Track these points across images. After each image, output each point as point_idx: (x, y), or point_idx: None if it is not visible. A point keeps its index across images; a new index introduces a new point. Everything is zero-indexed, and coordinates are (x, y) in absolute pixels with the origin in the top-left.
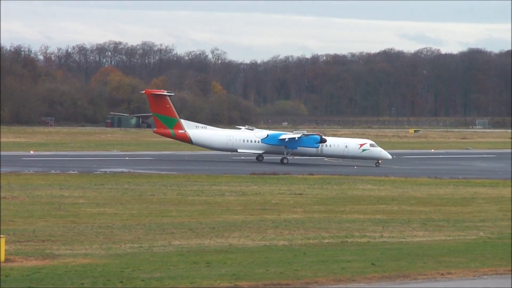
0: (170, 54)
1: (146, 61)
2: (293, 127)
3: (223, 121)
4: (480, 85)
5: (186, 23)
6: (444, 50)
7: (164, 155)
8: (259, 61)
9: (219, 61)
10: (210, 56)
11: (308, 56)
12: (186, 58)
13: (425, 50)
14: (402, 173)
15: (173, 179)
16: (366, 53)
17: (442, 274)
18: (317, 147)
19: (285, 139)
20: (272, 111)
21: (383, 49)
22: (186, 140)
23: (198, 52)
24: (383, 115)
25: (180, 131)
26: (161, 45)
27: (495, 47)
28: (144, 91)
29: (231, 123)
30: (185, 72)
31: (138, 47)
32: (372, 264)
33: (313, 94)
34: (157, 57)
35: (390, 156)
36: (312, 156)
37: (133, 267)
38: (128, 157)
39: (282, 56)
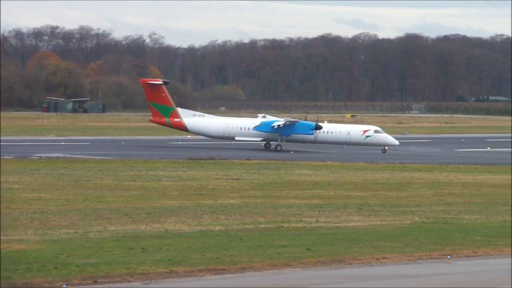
0: (107, 39)
1: (83, 45)
2: (230, 112)
3: None
4: (417, 70)
5: (122, 7)
6: (381, 35)
7: (101, 140)
8: (197, 46)
9: (157, 46)
10: (147, 40)
11: (246, 41)
12: (124, 42)
13: (363, 35)
14: (339, 158)
15: (110, 164)
16: (304, 38)
17: (377, 259)
18: (312, 134)
19: (278, 126)
20: (209, 96)
21: (320, 34)
22: (182, 128)
23: (135, 37)
24: (321, 100)
25: (175, 119)
26: (98, 29)
27: (430, 32)
28: (139, 81)
29: None
30: (123, 56)
31: (75, 31)
32: (308, 249)
33: (251, 79)
34: (94, 42)
35: (397, 142)
36: (307, 142)
37: (68, 253)
38: (64, 142)
39: (220, 41)
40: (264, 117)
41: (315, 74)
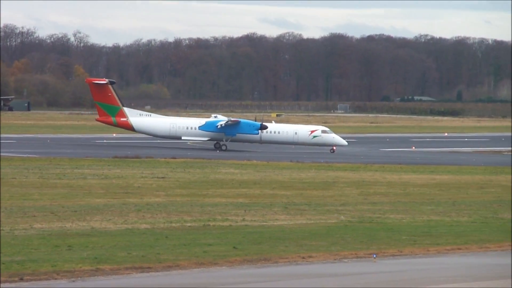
0: (31, 37)
1: (8, 43)
2: (156, 110)
3: (85, 104)
4: (342, 70)
5: (46, 6)
6: (306, 35)
7: (26, 138)
8: (121, 45)
9: (82, 44)
10: (72, 39)
11: (171, 40)
12: (48, 41)
13: (287, 34)
14: (265, 157)
15: (35, 162)
16: (229, 37)
17: (303, 258)
18: (257, 134)
19: (221, 125)
20: (135, 94)
21: (245, 33)
22: (128, 127)
23: (60, 35)
24: (246, 99)
25: (122, 119)
26: (22, 28)
27: (355, 32)
28: (85, 80)
29: (93, 107)
30: (47, 55)
31: None
32: (234, 247)
33: (176, 78)
34: (18, 40)
35: (345, 142)
36: (252, 142)
37: None
38: None
39: (144, 40)
40: (215, 117)
41: (240, 73)
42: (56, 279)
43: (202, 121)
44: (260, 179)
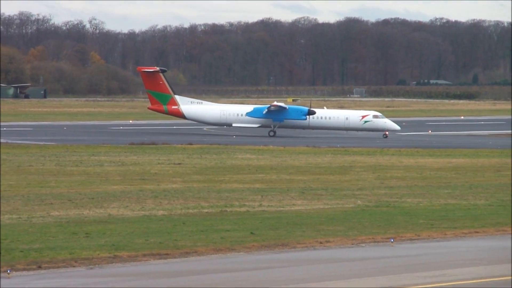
0: (47, 24)
1: (24, 31)
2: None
3: (101, 91)
4: (357, 54)
5: None
6: (321, 19)
7: (42, 125)
8: (137, 31)
9: (97, 31)
10: (88, 26)
11: (186, 25)
12: (64, 28)
13: (303, 19)
14: (281, 142)
15: (52, 149)
16: (244, 23)
17: (321, 243)
18: (305, 119)
19: (267, 111)
20: None
21: (260, 18)
22: (180, 115)
23: (76, 22)
24: (262, 85)
25: (173, 107)
26: (38, 15)
27: (369, 16)
28: (137, 69)
29: (109, 93)
30: (63, 42)
31: (15, 17)
32: (252, 233)
33: (191, 64)
34: (34, 27)
35: (398, 127)
36: (301, 128)
37: (12, 238)
38: (5, 128)
39: (160, 26)
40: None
41: (256, 58)
42: (74, 266)
43: (250, 107)
44: (276, 164)
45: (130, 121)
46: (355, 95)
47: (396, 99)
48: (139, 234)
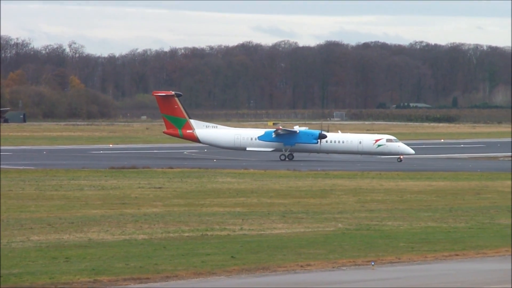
0: (26, 48)
1: (3, 55)
2: (152, 120)
3: (81, 115)
4: (337, 77)
5: (38, 16)
6: (301, 43)
7: (22, 150)
8: (117, 55)
9: (77, 55)
10: (67, 50)
11: (167, 49)
12: (43, 52)
13: (283, 43)
14: (262, 166)
15: (31, 174)
16: (225, 46)
17: (302, 266)
18: (316, 143)
19: (280, 135)
20: (131, 104)
21: (241, 42)
22: (194, 139)
23: (55, 46)
24: (242, 108)
25: (188, 131)
26: (17, 39)
27: (349, 39)
28: (152, 93)
29: (89, 117)
30: (43, 66)
31: None
32: (232, 257)
33: (172, 88)
34: (13, 51)
35: (412, 151)
36: (312, 152)
37: None
38: None
39: (140, 50)
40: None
41: (236, 82)
42: None
43: (262, 131)
44: (257, 188)
45: (110, 145)
46: (335, 118)
47: (376, 122)
48: (119, 258)
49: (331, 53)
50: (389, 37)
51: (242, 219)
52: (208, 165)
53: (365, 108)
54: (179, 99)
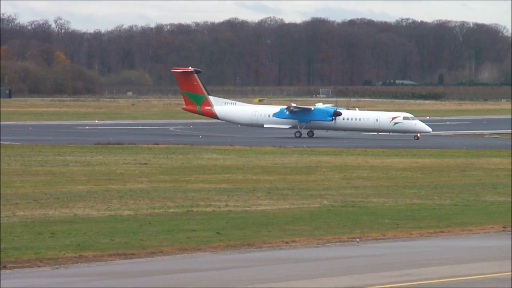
0: (12, 24)
1: None
2: (138, 96)
3: (67, 91)
4: (323, 54)
5: None
6: (287, 19)
7: (7, 125)
8: (103, 31)
9: (63, 31)
10: (53, 25)
11: (152, 25)
12: (29, 27)
13: (269, 19)
14: (247, 142)
15: (17, 149)
16: (210, 23)
17: (287, 243)
18: (331, 120)
19: (294, 112)
20: (116, 80)
21: (227, 18)
22: (213, 116)
23: (41, 22)
24: (228, 85)
25: (207, 107)
26: (3, 14)
27: (334, 16)
28: (172, 69)
29: (75, 93)
30: (28, 42)
31: None
32: (218, 233)
33: (158, 64)
34: None
35: (429, 129)
36: (328, 129)
37: None
38: None
39: (126, 26)
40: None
41: (222, 58)
42: (39, 266)
43: (277, 108)
44: (243, 165)
45: (96, 121)
46: (321, 95)
47: (362, 99)
48: (104, 234)
49: (317, 30)
50: (374, 14)
51: (228, 196)
52: (194, 142)
53: (351, 85)
54: (198, 76)
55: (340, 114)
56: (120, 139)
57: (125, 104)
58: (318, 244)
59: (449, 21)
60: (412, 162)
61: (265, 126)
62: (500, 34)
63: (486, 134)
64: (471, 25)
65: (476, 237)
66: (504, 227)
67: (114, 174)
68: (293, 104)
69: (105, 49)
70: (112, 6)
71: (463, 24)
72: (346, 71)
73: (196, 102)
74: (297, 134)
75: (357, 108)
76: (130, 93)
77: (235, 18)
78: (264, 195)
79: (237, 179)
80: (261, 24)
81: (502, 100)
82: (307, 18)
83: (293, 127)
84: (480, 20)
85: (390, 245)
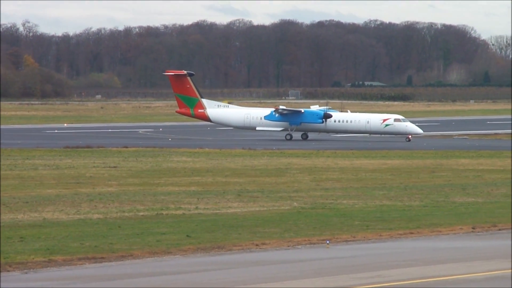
0: None
1: None
2: (107, 99)
3: (35, 94)
4: (292, 56)
5: None
6: (255, 22)
7: None
8: (71, 34)
9: (31, 34)
10: (21, 29)
11: (121, 28)
12: None
13: (238, 22)
14: (217, 145)
15: None
16: (179, 25)
17: (257, 245)
18: (321, 122)
19: (285, 115)
20: (85, 84)
21: (195, 21)
22: (205, 119)
23: (9, 25)
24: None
25: (199, 110)
26: None
27: (303, 18)
28: (165, 72)
29: (44, 97)
30: None
31: None
32: (187, 236)
33: (126, 67)
34: None
35: (420, 131)
36: (318, 131)
37: None
38: None
39: (94, 29)
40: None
41: (191, 61)
42: (8, 271)
43: (268, 111)
44: (212, 167)
45: (65, 124)
46: (290, 97)
47: (331, 101)
48: (74, 238)
49: (285, 32)
50: (342, 16)
51: (197, 198)
52: (163, 144)
53: (320, 87)
54: (191, 79)
55: (330, 116)
56: (89, 142)
57: (94, 107)
58: (288, 246)
59: (417, 22)
60: (381, 164)
61: (257, 128)
62: (468, 35)
63: (455, 135)
64: (439, 26)
65: (446, 238)
66: (473, 228)
67: (84, 177)
68: (281, 106)
69: (73, 52)
70: (80, 9)
71: (431, 25)
72: (315, 73)
73: (189, 105)
74: (288, 137)
75: (348, 110)
76: (99, 96)
77: (204, 21)
78: (234, 198)
79: (207, 182)
80: (229, 26)
81: (471, 101)
82: (275, 20)
83: (285, 129)
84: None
85: (360, 247)
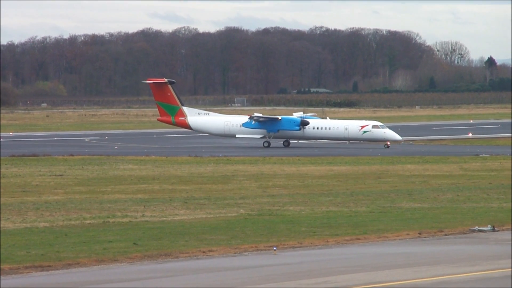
0: None
1: None
2: (52, 108)
3: None
4: (238, 63)
5: None
6: (201, 29)
7: None
8: (16, 43)
9: None
10: None
11: (66, 36)
12: None
13: (183, 29)
14: (163, 152)
15: None
16: (125, 33)
17: (204, 252)
18: (298, 129)
19: (262, 122)
20: (31, 92)
21: (141, 28)
22: (186, 127)
23: None
24: (143, 95)
25: (180, 118)
26: None
27: (247, 25)
28: (146, 80)
29: None
30: None
31: None
32: (134, 243)
33: (72, 75)
34: None
35: (398, 137)
36: (297, 138)
37: None
38: None
39: (39, 37)
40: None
41: (137, 69)
42: None
43: (246, 118)
44: (159, 175)
45: (11, 133)
46: (236, 104)
47: (277, 107)
48: (20, 247)
49: (231, 39)
50: (287, 23)
51: (144, 206)
52: (110, 152)
53: (266, 94)
54: (172, 87)
55: (307, 123)
56: (35, 151)
57: (40, 116)
58: (235, 253)
59: (362, 29)
60: (327, 170)
61: (237, 136)
62: (413, 41)
63: (401, 141)
64: (384, 32)
65: (392, 243)
66: (419, 233)
67: (29, 186)
68: (256, 114)
69: (18, 60)
70: (23, 18)
71: (376, 32)
72: (261, 80)
73: (170, 113)
74: (265, 144)
75: (328, 117)
76: (44, 105)
77: (149, 28)
78: (181, 205)
79: (153, 189)
80: (175, 34)
81: (416, 107)
82: (220, 27)
83: (264, 137)
84: (393, 28)
85: (307, 253)
